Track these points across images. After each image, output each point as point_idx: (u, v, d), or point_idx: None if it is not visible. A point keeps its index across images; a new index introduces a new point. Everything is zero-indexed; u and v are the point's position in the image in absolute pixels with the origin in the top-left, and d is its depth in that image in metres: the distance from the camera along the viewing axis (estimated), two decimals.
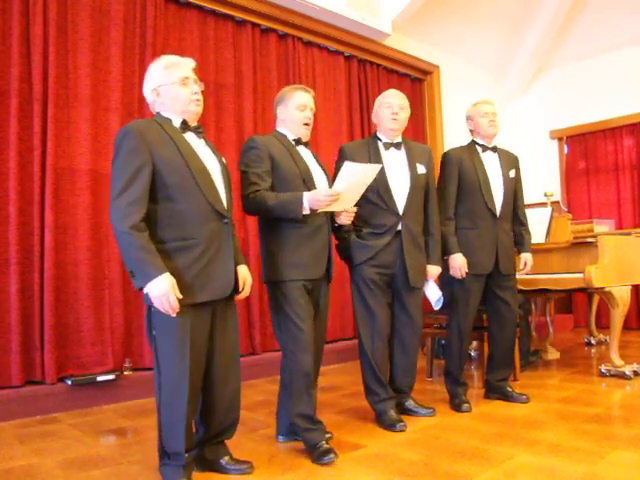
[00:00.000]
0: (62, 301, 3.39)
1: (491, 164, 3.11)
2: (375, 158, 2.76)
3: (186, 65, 2.11)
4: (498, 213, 3.05)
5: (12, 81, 3.29)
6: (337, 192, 2.26)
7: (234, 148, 4.28)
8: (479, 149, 3.13)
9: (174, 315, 1.88)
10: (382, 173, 2.70)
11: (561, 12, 6.09)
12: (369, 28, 5.06)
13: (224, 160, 2.21)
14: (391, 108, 2.80)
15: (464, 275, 2.98)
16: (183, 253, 1.95)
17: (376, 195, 2.71)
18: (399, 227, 2.74)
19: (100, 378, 3.38)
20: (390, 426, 2.66)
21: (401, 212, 2.74)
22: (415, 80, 6.04)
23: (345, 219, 2.46)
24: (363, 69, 5.41)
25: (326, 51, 5.10)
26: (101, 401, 3.41)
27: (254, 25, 4.55)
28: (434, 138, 5.98)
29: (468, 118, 3.18)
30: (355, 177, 2.29)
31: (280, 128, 2.58)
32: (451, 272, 3.00)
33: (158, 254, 1.88)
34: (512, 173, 3.16)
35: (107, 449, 2.55)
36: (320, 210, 2.31)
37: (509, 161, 3.19)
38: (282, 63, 4.77)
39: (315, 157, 2.61)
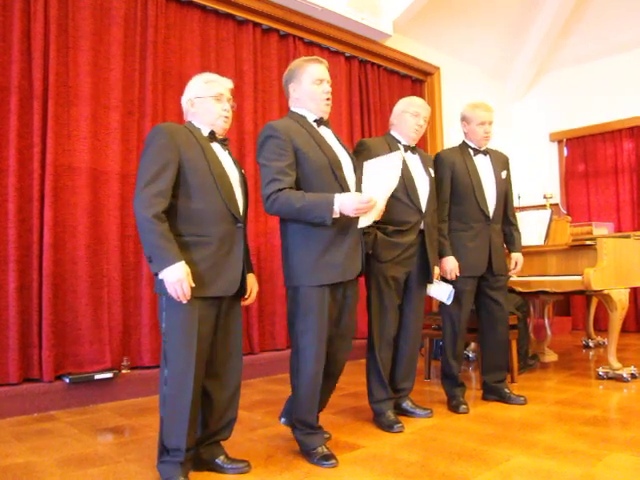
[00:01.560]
0: (60, 299, 3.39)
1: (483, 166, 3.13)
2: None
3: (223, 84, 2.21)
4: (491, 215, 3.08)
5: (12, 78, 3.29)
6: (372, 198, 2.11)
7: (234, 148, 4.28)
8: (471, 152, 3.14)
9: (185, 302, 1.96)
10: (407, 170, 2.75)
11: (561, 15, 6.10)
12: (370, 29, 5.07)
13: (244, 172, 2.30)
14: (418, 118, 2.83)
15: (454, 278, 2.99)
16: (196, 248, 2.04)
17: (402, 192, 2.69)
18: (422, 226, 2.78)
19: (98, 376, 3.37)
20: (388, 427, 2.66)
21: (424, 210, 2.78)
22: (416, 81, 6.04)
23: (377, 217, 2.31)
24: (364, 70, 5.42)
25: (327, 51, 5.10)
26: (99, 399, 3.41)
27: (255, 25, 4.55)
28: (434, 139, 5.99)
29: (463, 119, 3.16)
30: (379, 173, 2.16)
31: (296, 108, 2.38)
32: (442, 274, 3.01)
33: (176, 243, 1.97)
34: (503, 174, 3.18)
35: (104, 447, 2.55)
36: (355, 216, 2.15)
37: (500, 162, 3.21)
38: (283, 63, 4.76)
39: (337, 138, 2.43)
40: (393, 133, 2.91)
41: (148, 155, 2.03)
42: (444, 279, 3.01)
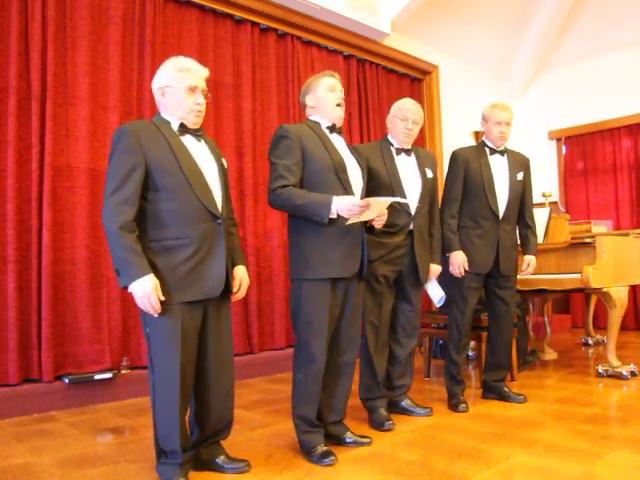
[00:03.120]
0: (60, 299, 3.39)
1: (498, 166, 3.13)
2: (388, 162, 2.81)
3: (198, 74, 2.09)
4: (501, 215, 3.08)
5: (10, 79, 3.28)
6: (368, 202, 2.20)
7: (232, 147, 4.28)
8: (487, 151, 3.15)
9: (156, 315, 1.92)
10: (396, 175, 2.79)
11: (560, 13, 6.10)
12: (368, 28, 5.06)
13: (224, 162, 2.22)
14: (406, 122, 2.85)
15: (462, 273, 3.01)
16: (174, 252, 1.98)
17: (391, 195, 2.71)
18: (411, 227, 2.79)
19: (97, 377, 3.37)
20: (379, 424, 2.69)
21: (413, 213, 2.80)
22: (414, 80, 6.04)
23: (378, 224, 2.39)
24: (362, 69, 5.41)
25: (325, 50, 5.10)
26: (98, 400, 3.41)
27: (253, 24, 4.54)
28: (432, 137, 5.98)
29: (482, 118, 3.18)
30: (386, 202, 2.32)
31: (312, 116, 2.52)
32: (450, 269, 3.03)
33: (144, 255, 1.90)
34: (520, 176, 3.16)
35: (104, 448, 2.55)
36: (348, 217, 2.22)
37: (519, 163, 3.19)
38: (281, 62, 4.76)
39: (349, 146, 2.54)
40: (389, 136, 2.94)
41: (113, 161, 1.95)
42: (446, 277, 3.02)
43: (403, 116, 2.85)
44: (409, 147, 2.92)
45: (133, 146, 1.94)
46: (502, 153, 3.16)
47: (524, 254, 3.24)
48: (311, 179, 2.33)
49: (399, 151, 2.88)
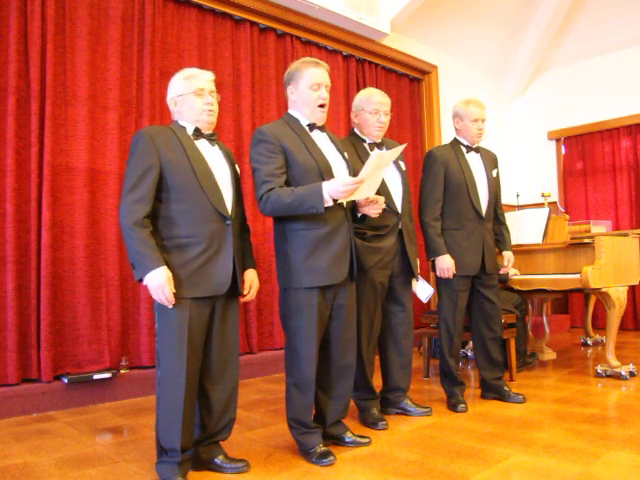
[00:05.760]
0: (59, 299, 3.39)
1: (475, 164, 3.12)
2: (364, 157, 2.69)
3: (203, 77, 2.19)
4: (484, 214, 3.07)
5: (10, 79, 3.28)
6: (360, 180, 2.09)
7: (232, 147, 4.28)
8: (463, 149, 3.13)
9: (170, 306, 1.98)
10: None
11: (560, 13, 6.10)
12: (367, 27, 5.07)
13: (237, 168, 2.28)
14: (378, 115, 2.74)
15: (451, 276, 2.98)
16: (185, 249, 2.05)
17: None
18: (399, 226, 2.75)
19: (96, 376, 3.37)
20: (372, 424, 2.69)
21: (400, 211, 2.75)
22: (413, 80, 6.04)
23: (374, 211, 2.33)
24: (361, 68, 5.42)
25: (324, 50, 5.10)
26: (97, 399, 3.41)
27: (253, 24, 4.55)
28: (432, 138, 5.99)
29: (456, 115, 3.13)
30: (377, 164, 2.16)
31: (292, 110, 2.38)
32: (438, 273, 2.99)
33: (157, 249, 1.99)
34: (494, 173, 3.18)
35: (103, 447, 2.55)
36: (341, 200, 2.16)
37: (491, 160, 3.21)
38: (280, 62, 4.76)
39: (334, 142, 2.43)
40: (356, 131, 2.84)
41: (130, 163, 2.06)
42: (440, 283, 3.02)
43: (374, 110, 2.73)
44: (380, 140, 2.83)
45: (148, 149, 2.04)
46: (476, 151, 3.14)
47: (501, 251, 3.25)
48: (295, 183, 2.24)
49: (372, 147, 2.78)
